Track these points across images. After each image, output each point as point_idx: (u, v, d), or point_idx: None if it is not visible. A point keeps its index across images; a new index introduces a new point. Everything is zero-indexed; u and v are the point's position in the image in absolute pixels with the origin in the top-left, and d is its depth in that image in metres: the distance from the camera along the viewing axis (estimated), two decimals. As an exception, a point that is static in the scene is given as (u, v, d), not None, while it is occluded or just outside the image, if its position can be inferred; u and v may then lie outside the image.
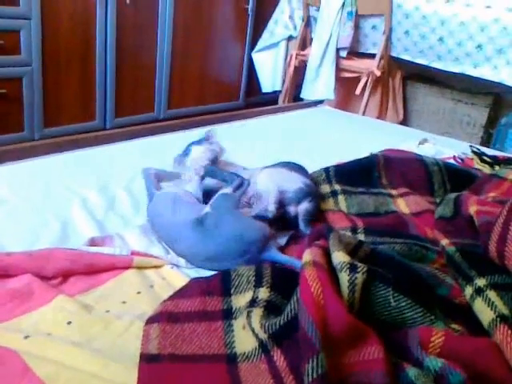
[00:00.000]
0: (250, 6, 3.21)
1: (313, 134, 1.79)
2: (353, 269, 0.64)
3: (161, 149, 1.43)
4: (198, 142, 1.08)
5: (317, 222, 0.99)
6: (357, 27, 2.84)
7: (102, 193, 1.07)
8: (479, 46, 2.46)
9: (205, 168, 0.96)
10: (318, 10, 2.91)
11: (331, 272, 0.64)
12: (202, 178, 0.97)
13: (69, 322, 0.64)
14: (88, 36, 2.44)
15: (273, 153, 1.36)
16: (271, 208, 0.93)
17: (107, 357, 0.58)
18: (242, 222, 0.83)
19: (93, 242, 0.83)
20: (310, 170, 1.19)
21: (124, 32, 2.58)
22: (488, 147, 2.73)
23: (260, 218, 0.90)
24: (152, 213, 0.94)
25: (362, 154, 1.36)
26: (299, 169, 1.05)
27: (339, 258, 0.65)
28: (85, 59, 2.47)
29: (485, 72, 2.50)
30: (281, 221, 0.98)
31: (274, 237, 0.85)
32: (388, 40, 2.76)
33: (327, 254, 0.68)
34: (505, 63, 2.41)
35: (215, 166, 0.98)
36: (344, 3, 2.74)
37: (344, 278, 0.63)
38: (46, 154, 1.27)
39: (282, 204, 0.97)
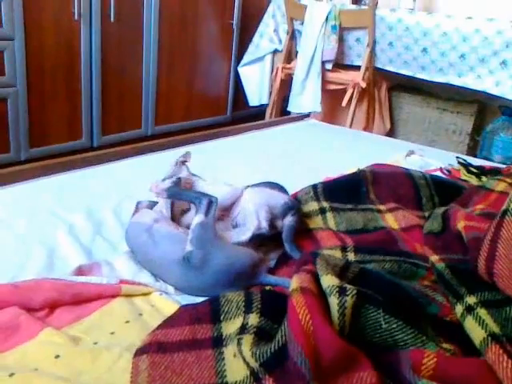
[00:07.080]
0: (234, 21, 3.23)
1: (300, 148, 1.79)
2: (342, 292, 0.63)
3: (148, 168, 1.42)
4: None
5: (305, 240, 0.99)
6: (341, 40, 2.87)
7: (89, 217, 1.06)
8: (462, 56, 2.49)
9: (167, 190, 0.93)
10: (302, 23, 2.93)
11: (321, 297, 0.64)
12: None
13: (56, 356, 0.63)
14: (73, 54, 2.43)
15: (260, 169, 1.36)
16: (264, 225, 0.93)
17: (96, 392, 0.57)
18: (229, 253, 0.82)
19: (80, 271, 0.81)
20: (298, 187, 1.19)
21: (109, 49, 2.57)
22: (475, 155, 2.77)
23: (256, 236, 0.90)
24: (132, 244, 0.91)
25: (350, 168, 1.36)
26: (279, 187, 1.07)
27: (328, 281, 0.65)
28: (70, 78, 2.46)
29: (469, 81, 2.53)
30: (271, 237, 0.98)
31: (263, 261, 0.84)
32: (372, 52, 2.79)
33: (316, 279, 0.67)
34: (487, 72, 2.44)
35: (178, 187, 0.94)
36: (327, 17, 2.76)
37: (333, 301, 0.62)
38: (30, 178, 1.25)
39: (272, 220, 0.97)
